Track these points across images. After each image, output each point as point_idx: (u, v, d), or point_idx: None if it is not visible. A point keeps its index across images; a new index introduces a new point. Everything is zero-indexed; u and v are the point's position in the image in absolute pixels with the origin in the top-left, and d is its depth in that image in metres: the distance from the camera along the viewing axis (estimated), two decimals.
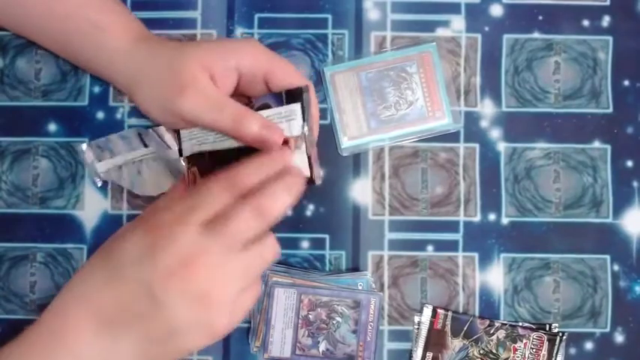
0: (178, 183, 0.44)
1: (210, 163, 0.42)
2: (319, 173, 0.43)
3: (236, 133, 0.40)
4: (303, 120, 0.41)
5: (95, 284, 0.36)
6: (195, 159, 0.43)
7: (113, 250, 0.37)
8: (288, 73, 0.42)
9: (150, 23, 0.48)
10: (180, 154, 0.43)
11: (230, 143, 0.41)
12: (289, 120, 0.41)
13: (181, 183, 0.43)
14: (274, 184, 0.37)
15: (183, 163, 0.43)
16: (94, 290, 0.36)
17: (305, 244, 0.48)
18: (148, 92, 0.42)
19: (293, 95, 0.41)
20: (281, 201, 0.37)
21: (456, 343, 0.48)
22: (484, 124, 0.49)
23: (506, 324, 0.48)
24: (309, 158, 0.41)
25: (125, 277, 0.35)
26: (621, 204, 0.49)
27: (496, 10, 0.50)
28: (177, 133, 0.44)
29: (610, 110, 0.49)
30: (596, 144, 0.49)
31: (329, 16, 0.50)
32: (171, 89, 0.40)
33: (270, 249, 0.37)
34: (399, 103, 0.49)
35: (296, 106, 0.41)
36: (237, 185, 0.36)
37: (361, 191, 0.49)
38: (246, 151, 0.40)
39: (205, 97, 0.40)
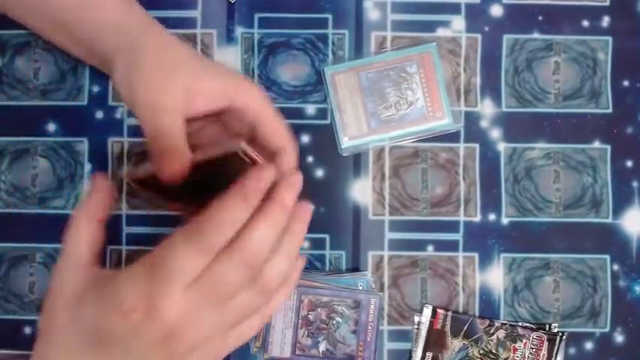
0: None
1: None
2: None
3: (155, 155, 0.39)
4: None
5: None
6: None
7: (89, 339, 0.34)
8: (277, 130, 0.41)
9: None
10: None
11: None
12: None
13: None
14: (257, 227, 0.33)
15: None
16: None
17: (305, 244, 0.48)
18: (135, 70, 0.39)
19: None
20: (268, 246, 0.34)
21: (455, 343, 0.48)
22: (484, 124, 0.49)
23: (506, 324, 0.48)
24: None
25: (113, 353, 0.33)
26: (621, 204, 0.49)
27: (496, 11, 0.50)
28: None
29: (610, 110, 0.50)
30: (596, 144, 0.49)
31: (329, 16, 0.50)
32: (157, 80, 0.39)
33: (261, 293, 0.35)
34: (399, 103, 0.49)
35: None
36: (212, 246, 0.32)
37: (361, 191, 0.49)
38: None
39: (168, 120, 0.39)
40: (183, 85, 0.39)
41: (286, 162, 0.42)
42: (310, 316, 0.47)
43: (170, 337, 0.32)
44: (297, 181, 0.35)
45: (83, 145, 0.49)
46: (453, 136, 0.49)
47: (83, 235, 0.36)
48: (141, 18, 0.42)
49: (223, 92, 0.40)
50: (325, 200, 0.48)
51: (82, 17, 0.42)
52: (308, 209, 0.37)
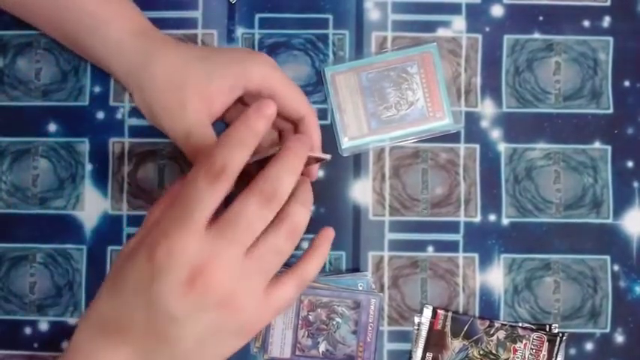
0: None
1: None
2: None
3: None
4: None
5: (105, 332, 0.34)
6: None
7: (117, 288, 0.34)
8: (295, 98, 0.43)
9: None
10: None
11: None
12: None
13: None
14: (274, 164, 0.33)
15: None
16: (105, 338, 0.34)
17: (305, 244, 0.48)
18: (147, 94, 0.42)
19: None
20: (287, 181, 0.33)
21: (455, 344, 0.48)
22: (484, 124, 0.49)
23: (506, 324, 0.48)
24: None
25: (138, 309, 0.33)
26: (621, 204, 0.49)
27: (497, 11, 0.50)
28: None
29: (610, 111, 0.49)
30: (597, 144, 0.49)
31: (330, 17, 0.50)
32: (171, 102, 0.41)
33: (286, 235, 0.34)
34: (399, 103, 0.49)
35: None
36: (223, 169, 0.32)
37: (361, 191, 0.49)
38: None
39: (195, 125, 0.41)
40: (198, 95, 0.41)
41: (309, 128, 0.43)
42: (310, 316, 0.47)
43: (195, 279, 0.31)
44: (305, 137, 0.35)
45: (84, 146, 0.49)
46: (453, 137, 0.49)
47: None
48: (140, 33, 0.43)
49: (233, 85, 0.41)
50: (325, 200, 0.48)
51: (92, 40, 0.43)
52: (315, 168, 0.39)
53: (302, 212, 0.34)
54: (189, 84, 0.41)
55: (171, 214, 0.33)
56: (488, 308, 0.48)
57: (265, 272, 0.34)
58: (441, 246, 0.49)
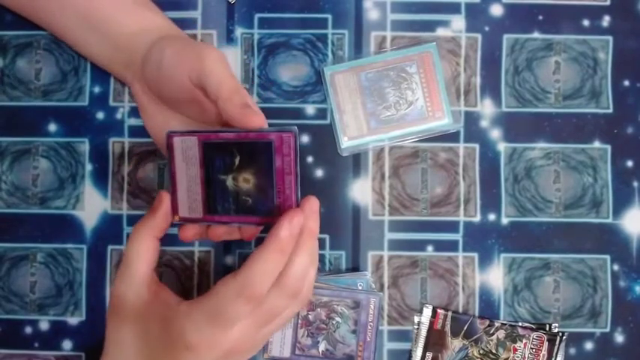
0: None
1: None
2: None
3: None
4: None
5: None
6: None
7: None
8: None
9: None
10: None
11: None
12: None
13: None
14: (296, 259, 0.37)
15: None
16: None
17: None
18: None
19: None
20: (305, 270, 0.38)
21: (455, 343, 0.48)
22: (484, 124, 0.49)
23: (506, 324, 0.48)
24: None
25: None
26: (621, 204, 0.49)
27: (496, 10, 0.50)
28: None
29: (610, 110, 0.49)
30: (596, 144, 0.49)
31: (329, 16, 0.50)
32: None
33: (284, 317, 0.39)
34: (398, 103, 0.49)
35: None
36: (260, 295, 0.36)
37: (361, 191, 0.49)
38: None
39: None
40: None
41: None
42: (310, 316, 0.47)
43: (228, 355, 0.38)
44: (316, 205, 0.38)
45: (84, 146, 0.49)
46: (452, 136, 0.49)
47: (143, 250, 0.39)
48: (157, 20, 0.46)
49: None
50: (325, 200, 0.48)
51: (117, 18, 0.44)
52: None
53: (310, 280, 0.39)
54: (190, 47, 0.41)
55: (212, 323, 0.37)
56: (488, 308, 0.48)
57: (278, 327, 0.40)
58: (440, 245, 0.49)
